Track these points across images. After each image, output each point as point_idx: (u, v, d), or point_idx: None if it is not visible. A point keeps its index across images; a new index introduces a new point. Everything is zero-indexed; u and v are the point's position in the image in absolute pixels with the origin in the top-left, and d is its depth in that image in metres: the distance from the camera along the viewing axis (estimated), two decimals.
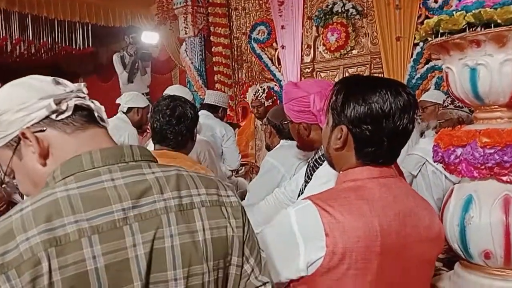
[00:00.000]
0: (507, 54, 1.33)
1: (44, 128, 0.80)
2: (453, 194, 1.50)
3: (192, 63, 6.20)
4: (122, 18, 7.40)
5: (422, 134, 3.40)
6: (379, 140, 1.02)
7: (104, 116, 0.87)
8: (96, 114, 0.85)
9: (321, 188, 1.16)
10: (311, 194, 1.06)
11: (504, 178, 1.35)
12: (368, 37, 4.96)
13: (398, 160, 1.22)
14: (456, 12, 1.35)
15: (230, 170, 3.70)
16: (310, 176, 1.52)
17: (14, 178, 0.87)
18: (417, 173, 2.79)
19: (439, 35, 1.42)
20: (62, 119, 0.81)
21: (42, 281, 0.65)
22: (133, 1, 7.30)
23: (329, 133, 1.09)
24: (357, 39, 5.03)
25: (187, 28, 6.06)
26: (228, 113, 5.06)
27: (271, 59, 5.69)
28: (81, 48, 7.57)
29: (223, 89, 5.84)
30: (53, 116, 0.80)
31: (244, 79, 6.16)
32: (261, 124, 3.98)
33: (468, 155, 1.37)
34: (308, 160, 1.68)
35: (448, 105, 2.78)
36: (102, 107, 0.87)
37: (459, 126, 1.56)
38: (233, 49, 6.17)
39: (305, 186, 1.55)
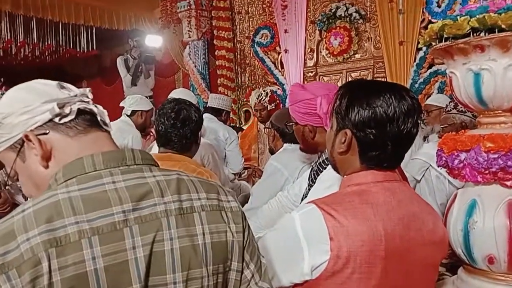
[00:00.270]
0: (511, 59, 1.33)
1: (47, 131, 0.81)
2: (457, 198, 1.49)
3: (195, 66, 6.21)
4: (126, 21, 7.44)
5: (425, 138, 3.39)
6: (383, 144, 1.02)
7: (107, 120, 0.88)
8: (99, 118, 0.86)
9: (325, 192, 1.17)
10: (315, 198, 1.06)
11: (508, 183, 1.35)
12: (371, 42, 4.97)
13: (402, 165, 1.22)
14: (460, 17, 1.35)
15: (233, 173, 3.71)
16: (314, 180, 1.52)
17: (17, 180, 0.89)
18: (421, 178, 2.78)
19: (443, 40, 1.42)
20: (65, 122, 0.82)
21: (42, 281, 0.66)
22: (137, 4, 7.33)
23: (333, 137, 1.10)
24: (360, 43, 5.03)
25: (190, 31, 6.07)
26: (231, 116, 5.07)
27: (274, 63, 5.70)
28: (85, 51, 7.60)
29: (226, 93, 5.85)
30: (56, 120, 0.81)
31: (247, 82, 6.17)
32: (264, 128, 3.98)
33: (472, 159, 1.37)
34: (312, 164, 1.69)
35: (451, 110, 2.77)
36: (105, 111, 0.88)
37: (462, 130, 1.56)
38: (236, 53, 6.18)
39: (309, 189, 1.55)
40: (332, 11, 5.05)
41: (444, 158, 1.48)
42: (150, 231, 0.74)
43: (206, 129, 3.25)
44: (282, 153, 2.30)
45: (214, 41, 6.18)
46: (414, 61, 4.56)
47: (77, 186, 0.74)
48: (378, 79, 4.60)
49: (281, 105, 4.79)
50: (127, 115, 3.61)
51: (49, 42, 7.30)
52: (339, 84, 4.66)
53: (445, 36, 1.41)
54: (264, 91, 4.15)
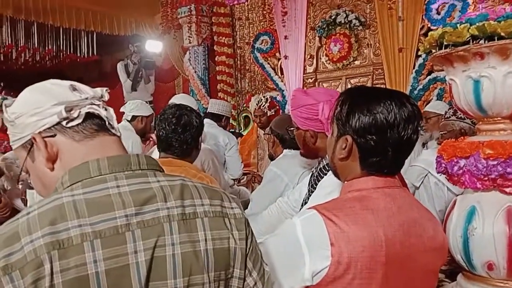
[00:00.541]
0: (510, 67, 1.34)
1: (55, 134, 0.82)
2: (456, 205, 1.50)
3: (195, 72, 6.23)
4: (127, 26, 7.47)
5: (424, 145, 3.40)
6: (384, 150, 1.03)
7: (115, 125, 0.88)
8: (107, 122, 0.86)
9: (325, 198, 1.17)
10: (316, 204, 1.06)
11: (507, 190, 1.36)
12: (370, 48, 4.99)
13: (401, 171, 1.22)
14: (460, 25, 1.37)
15: (232, 179, 3.71)
16: (314, 186, 1.53)
17: (29, 176, 0.90)
18: (420, 185, 2.79)
19: (443, 47, 1.43)
20: (72, 126, 0.82)
21: (43, 283, 0.66)
22: (138, 10, 7.37)
23: (334, 143, 1.10)
24: (360, 50, 5.05)
25: (191, 37, 6.10)
26: (230, 122, 5.08)
27: (274, 69, 5.72)
28: (86, 56, 7.63)
29: (226, 98, 5.86)
30: (64, 123, 0.81)
31: (246, 88, 6.18)
32: (263, 134, 3.98)
33: (472, 166, 1.38)
34: (312, 170, 1.69)
35: (450, 116, 2.78)
36: (114, 116, 0.88)
37: (461, 137, 1.57)
38: (236, 59, 6.21)
39: (309, 195, 1.55)
40: (332, 17, 5.08)
41: (443, 165, 1.49)
42: (152, 236, 0.74)
43: (206, 134, 3.26)
44: (282, 159, 2.30)
45: (214, 47, 6.21)
46: (413, 67, 4.58)
47: (82, 189, 0.75)
48: (378, 85, 4.62)
49: (281, 111, 4.80)
50: (127, 120, 3.61)
51: (49, 47, 7.33)
52: (339, 90, 4.67)
53: (445, 43, 1.42)
54: (263, 97, 4.16)
